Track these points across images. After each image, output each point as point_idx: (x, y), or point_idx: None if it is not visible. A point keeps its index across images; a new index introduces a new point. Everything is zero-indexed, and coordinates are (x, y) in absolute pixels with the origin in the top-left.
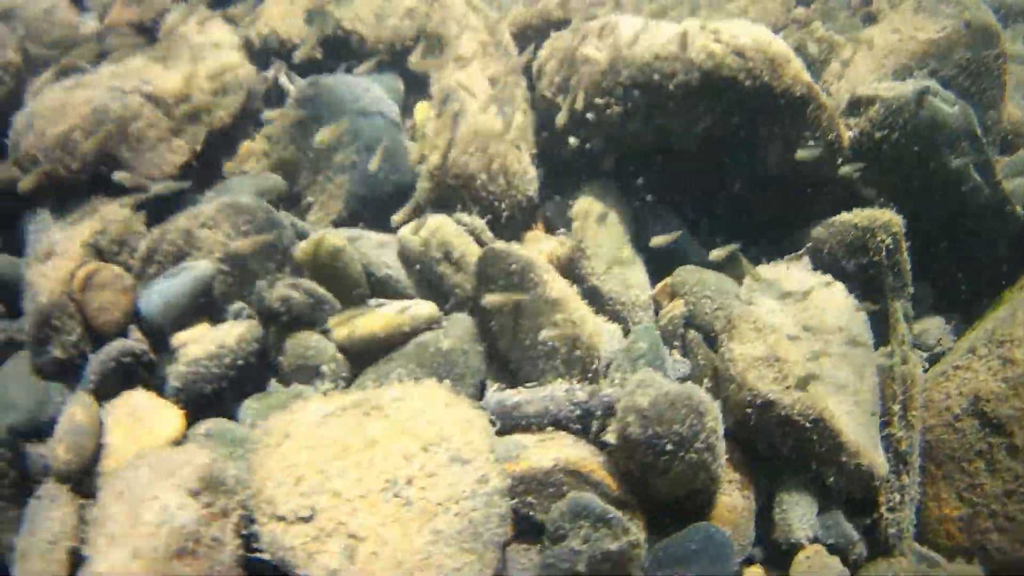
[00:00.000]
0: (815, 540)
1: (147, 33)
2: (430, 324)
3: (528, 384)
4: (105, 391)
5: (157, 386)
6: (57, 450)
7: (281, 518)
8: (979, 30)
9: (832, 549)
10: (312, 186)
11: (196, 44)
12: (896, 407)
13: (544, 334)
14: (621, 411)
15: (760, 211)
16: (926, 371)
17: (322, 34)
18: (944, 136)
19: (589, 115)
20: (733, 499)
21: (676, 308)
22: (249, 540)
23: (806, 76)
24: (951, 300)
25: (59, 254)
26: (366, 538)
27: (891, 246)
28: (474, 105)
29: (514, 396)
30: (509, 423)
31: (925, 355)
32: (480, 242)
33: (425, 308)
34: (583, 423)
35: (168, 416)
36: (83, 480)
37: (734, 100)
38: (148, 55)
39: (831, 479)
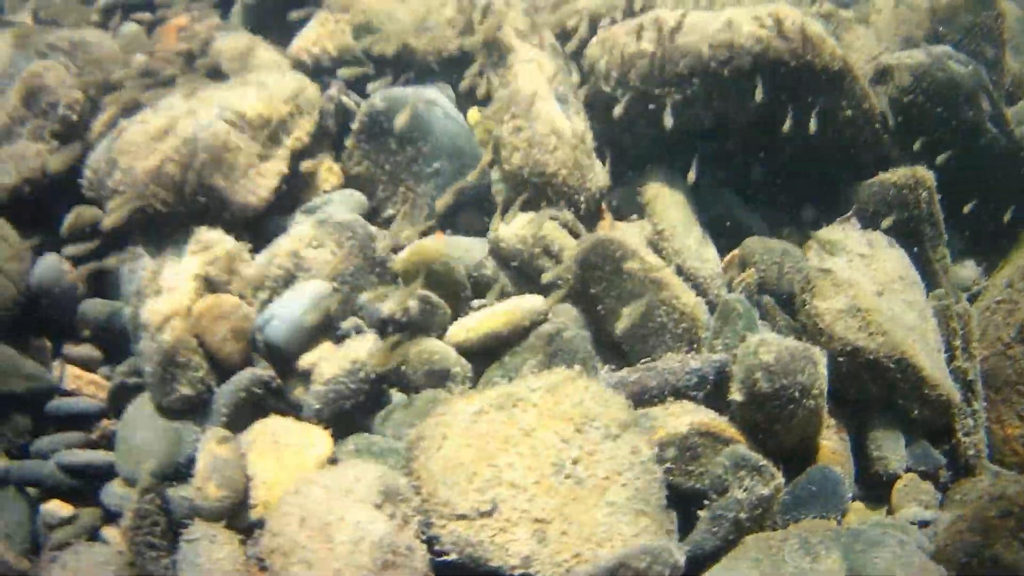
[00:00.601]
0: (908, 470)
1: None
2: (540, 317)
3: (643, 361)
4: (237, 423)
5: (287, 411)
6: (207, 489)
7: (462, 516)
8: None
9: (923, 475)
10: (391, 198)
11: (255, 67)
12: (957, 342)
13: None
14: (746, 370)
15: (806, 177)
16: None
17: (371, 51)
18: (961, 94)
19: (651, 105)
20: (833, 443)
21: (749, 277)
22: (430, 544)
23: (840, 51)
24: (978, 244)
25: (170, 289)
26: (551, 520)
27: (926, 199)
28: (544, 105)
29: (634, 373)
30: (633, 398)
31: (965, 295)
32: (573, 234)
33: (536, 302)
34: (699, 389)
35: (314, 437)
36: (235, 516)
37: (781, 78)
38: (212, 81)
39: (915, 412)
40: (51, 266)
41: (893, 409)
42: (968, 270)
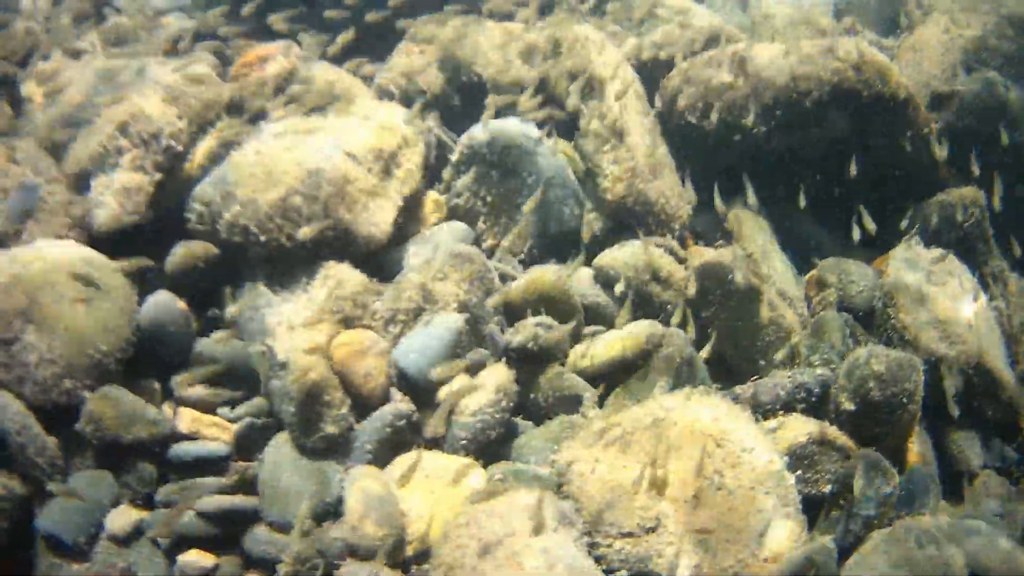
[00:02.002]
0: (984, 467)
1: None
2: (659, 341)
3: (752, 378)
4: (381, 458)
5: (426, 443)
6: (364, 527)
7: (628, 534)
8: (1018, 21)
9: (998, 471)
10: (492, 229)
11: (345, 98)
12: (1022, 348)
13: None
14: (858, 380)
15: (872, 198)
16: None
17: (458, 82)
18: (1008, 117)
19: (736, 137)
20: (918, 444)
21: (829, 296)
22: (597, 562)
23: (905, 80)
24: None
25: (304, 325)
26: (713, 530)
27: (979, 217)
28: (639, 136)
29: (748, 390)
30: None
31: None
32: (678, 260)
33: (652, 326)
34: (805, 402)
35: (464, 468)
36: (392, 552)
37: (855, 107)
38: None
39: (989, 412)
40: (163, 304)
41: (969, 411)
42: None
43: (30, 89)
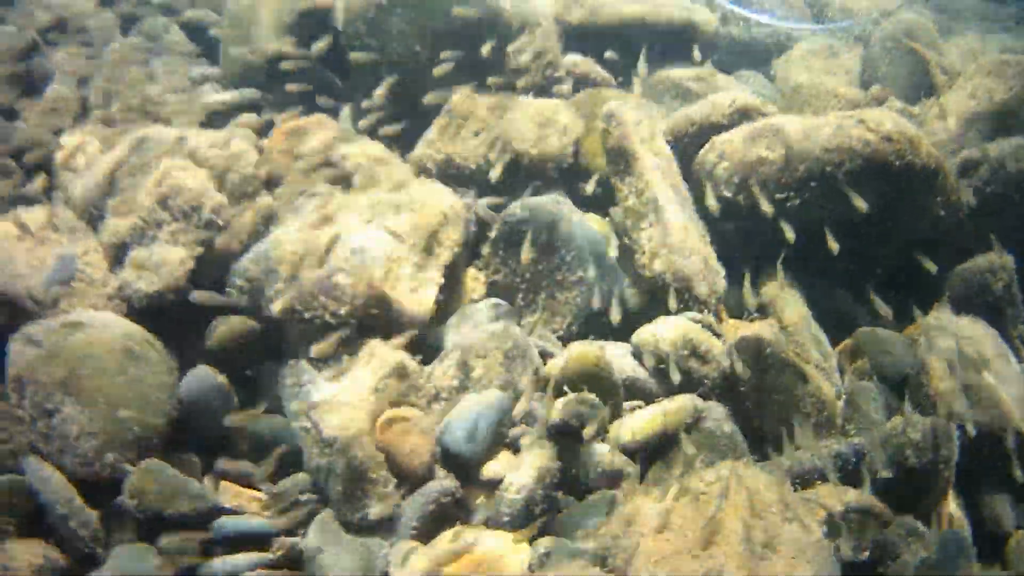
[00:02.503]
0: (1017, 527)
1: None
2: (698, 415)
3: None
4: (425, 534)
5: (468, 519)
6: None
7: None
8: None
9: None
10: (531, 306)
11: (382, 174)
12: None
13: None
14: (894, 448)
15: (902, 265)
16: None
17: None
18: None
19: (767, 208)
20: (951, 507)
21: (862, 365)
22: None
23: (935, 150)
24: None
25: (348, 403)
26: None
27: (1007, 282)
28: (674, 212)
29: (786, 461)
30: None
31: None
32: (715, 335)
33: (691, 400)
34: (842, 471)
35: (510, 545)
36: None
37: (886, 177)
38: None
39: (1019, 473)
40: (203, 378)
41: (1000, 473)
42: None
43: (65, 157)
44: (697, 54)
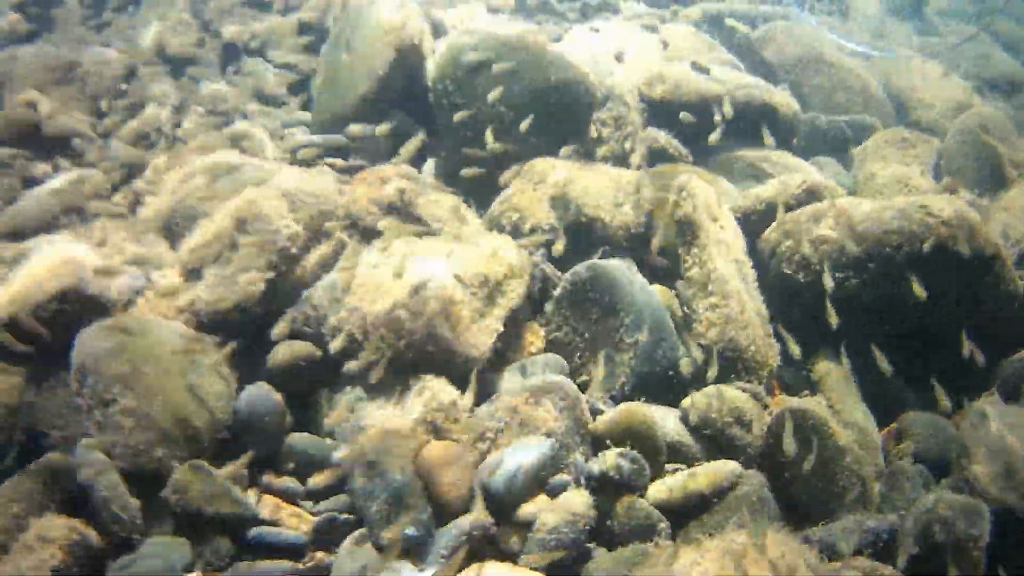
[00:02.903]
0: None
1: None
2: (737, 480)
3: (823, 522)
4: (454, 565)
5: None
6: None
7: None
8: None
9: None
10: (587, 364)
11: (457, 225)
12: None
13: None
14: (924, 523)
15: (957, 352)
16: None
17: (568, 221)
18: None
19: (829, 284)
20: None
21: (906, 448)
22: None
23: (995, 237)
24: None
25: (397, 432)
26: None
27: None
28: (735, 285)
29: (818, 532)
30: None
31: None
32: (761, 406)
33: (731, 466)
34: (873, 546)
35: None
36: None
37: (944, 261)
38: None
39: None
40: (261, 395)
41: None
42: None
43: (152, 175)
44: (769, 139)
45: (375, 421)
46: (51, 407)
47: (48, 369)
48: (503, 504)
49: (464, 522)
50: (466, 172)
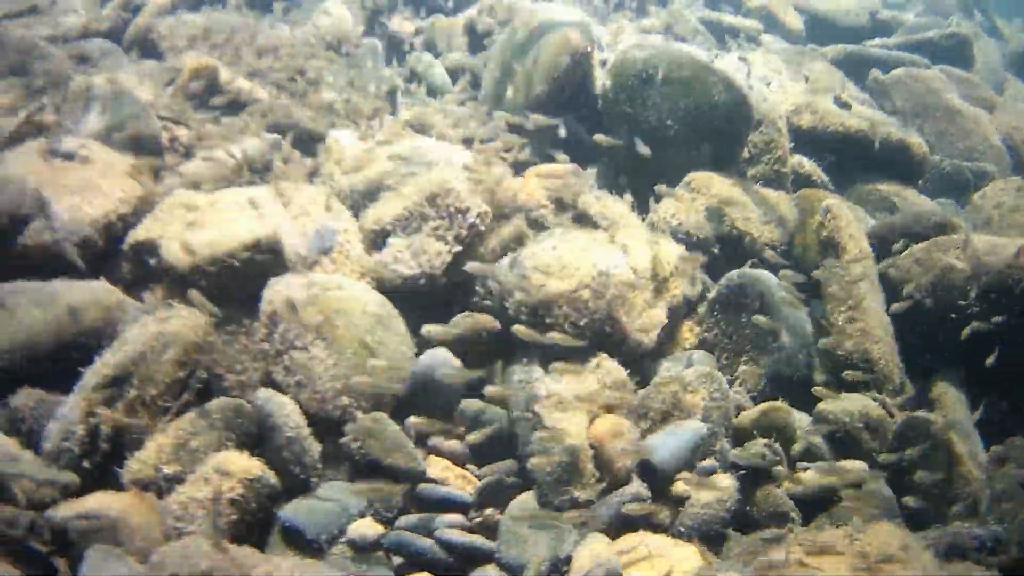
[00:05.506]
0: None
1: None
2: (864, 479)
3: (935, 525)
4: (613, 531)
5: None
6: None
7: None
8: None
9: None
10: (731, 367)
11: (620, 225)
12: None
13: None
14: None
15: None
16: None
17: (720, 232)
18: None
19: (953, 315)
20: None
21: (1009, 471)
22: None
23: None
24: None
25: (571, 402)
26: None
27: None
28: (872, 302)
29: (930, 534)
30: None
31: None
32: (889, 414)
33: (860, 465)
34: (978, 551)
35: (687, 552)
36: None
37: None
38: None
39: None
40: (440, 359)
41: None
42: None
43: (331, 148)
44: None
45: (550, 389)
46: (230, 351)
47: (231, 315)
48: (660, 478)
49: (627, 492)
50: (599, 137)
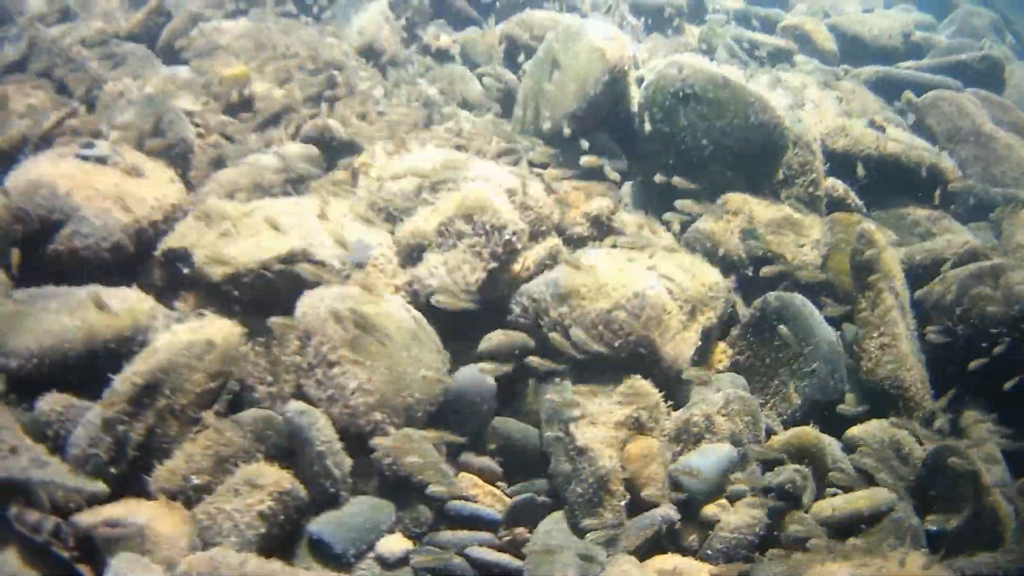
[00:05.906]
0: None
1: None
2: (891, 506)
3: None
4: (641, 553)
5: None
6: None
7: None
8: None
9: None
10: (764, 389)
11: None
12: None
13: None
14: None
15: None
16: None
17: (754, 254)
18: None
19: (984, 344)
20: None
21: None
22: None
23: None
24: None
25: (604, 423)
26: None
27: None
28: (903, 328)
29: (959, 561)
30: None
31: None
32: (919, 440)
33: (888, 493)
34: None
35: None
36: None
37: None
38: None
39: None
40: (477, 377)
41: None
42: None
43: (367, 161)
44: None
45: (583, 410)
46: (262, 363)
47: (263, 326)
48: (690, 503)
49: (656, 514)
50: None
